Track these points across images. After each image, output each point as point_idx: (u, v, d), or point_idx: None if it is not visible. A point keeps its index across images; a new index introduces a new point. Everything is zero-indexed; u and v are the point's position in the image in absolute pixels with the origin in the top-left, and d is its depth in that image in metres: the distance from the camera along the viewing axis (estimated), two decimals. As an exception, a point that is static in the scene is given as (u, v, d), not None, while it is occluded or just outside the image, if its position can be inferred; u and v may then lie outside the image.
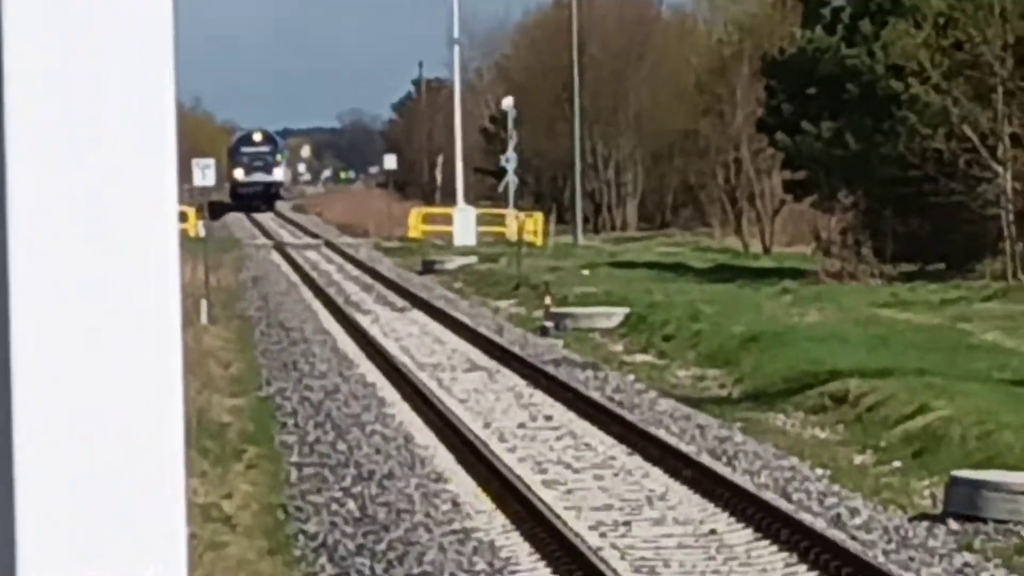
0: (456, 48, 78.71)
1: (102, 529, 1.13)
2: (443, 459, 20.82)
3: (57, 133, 1.09)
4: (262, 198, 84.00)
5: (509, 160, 66.10)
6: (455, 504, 17.42)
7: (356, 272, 55.52)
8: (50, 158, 1.10)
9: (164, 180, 1.07)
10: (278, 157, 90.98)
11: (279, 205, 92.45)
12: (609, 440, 21.59)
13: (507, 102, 69.40)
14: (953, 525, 16.62)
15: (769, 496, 17.95)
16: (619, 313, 37.87)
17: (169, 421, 1.11)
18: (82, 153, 1.08)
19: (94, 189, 1.11)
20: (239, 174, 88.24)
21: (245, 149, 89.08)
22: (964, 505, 17.06)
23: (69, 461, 1.09)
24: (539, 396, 26.29)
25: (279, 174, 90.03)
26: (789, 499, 18.12)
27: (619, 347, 33.77)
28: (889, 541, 16.09)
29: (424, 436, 22.47)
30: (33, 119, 1.09)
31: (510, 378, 28.91)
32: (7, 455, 1.09)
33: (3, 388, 1.08)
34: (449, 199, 75.61)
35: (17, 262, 1.09)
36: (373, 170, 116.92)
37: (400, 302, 43.92)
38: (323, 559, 14.84)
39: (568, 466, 20.00)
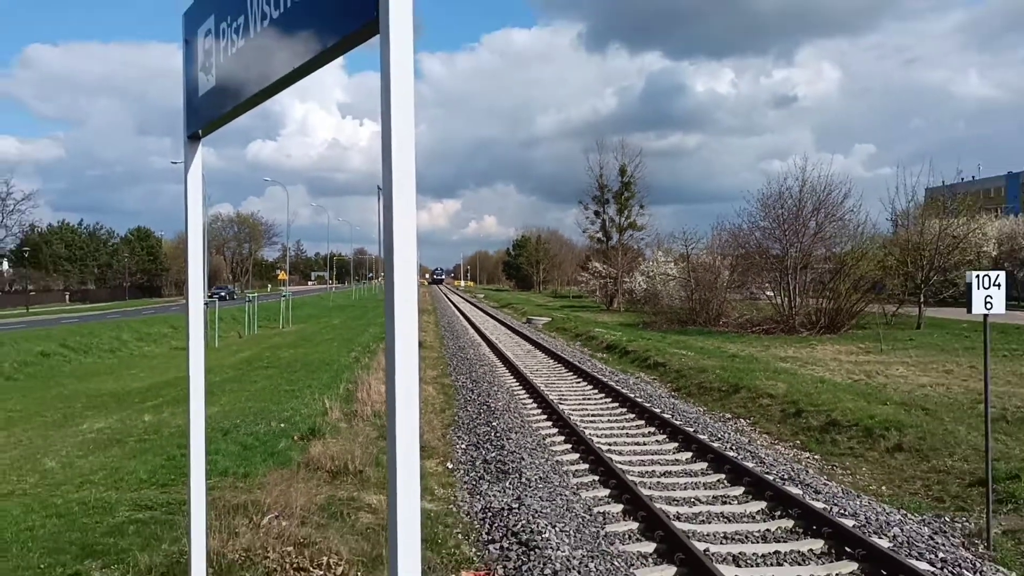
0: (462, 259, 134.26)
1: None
2: (495, 360, 18.96)
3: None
4: (438, 283, 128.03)
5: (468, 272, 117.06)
6: (513, 392, 14.10)
7: (445, 291, 78.48)
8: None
9: (411, 274, 1.07)
10: (443, 274, 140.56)
11: (443, 286, 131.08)
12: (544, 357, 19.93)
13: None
14: (548, 331, 24.21)
15: (554, 350, 20.53)
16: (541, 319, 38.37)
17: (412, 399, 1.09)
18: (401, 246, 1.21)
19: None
20: (434, 276, 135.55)
21: (437, 269, 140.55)
22: (531, 324, 25.79)
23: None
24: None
25: (443, 276, 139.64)
26: (551, 348, 20.54)
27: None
28: (544, 340, 21.23)
29: (484, 350, 20.97)
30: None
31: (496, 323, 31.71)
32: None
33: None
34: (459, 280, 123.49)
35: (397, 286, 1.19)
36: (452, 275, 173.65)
37: (461, 296, 61.44)
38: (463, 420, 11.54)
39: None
